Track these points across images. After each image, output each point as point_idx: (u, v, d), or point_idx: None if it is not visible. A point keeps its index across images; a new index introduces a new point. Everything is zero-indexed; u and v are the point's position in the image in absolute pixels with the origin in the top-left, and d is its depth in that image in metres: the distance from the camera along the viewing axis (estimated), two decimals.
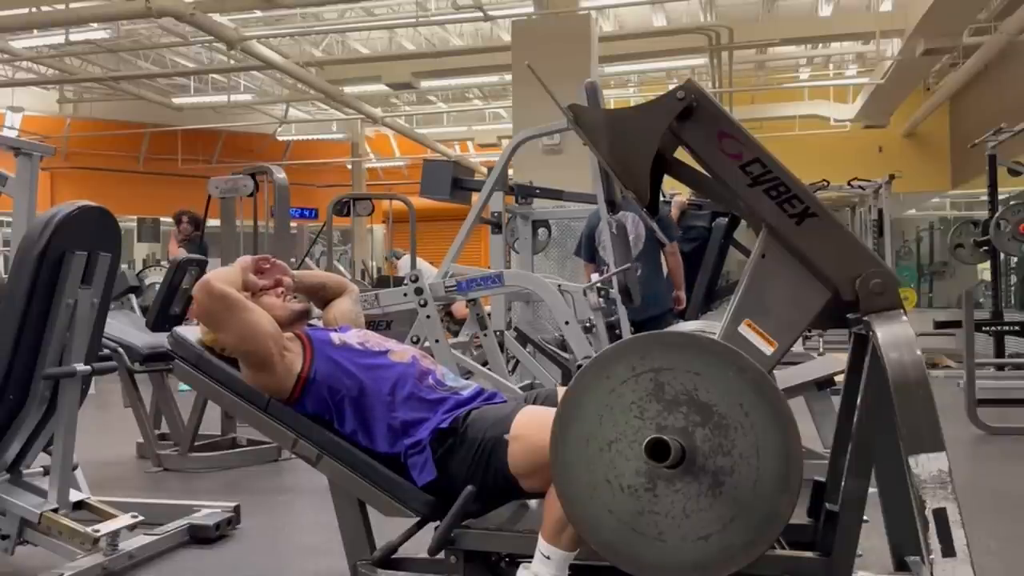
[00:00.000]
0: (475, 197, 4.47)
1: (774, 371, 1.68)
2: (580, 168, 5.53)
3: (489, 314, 4.49)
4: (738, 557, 1.49)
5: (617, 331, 4.05)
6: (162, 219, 17.28)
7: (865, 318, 1.59)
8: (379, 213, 11.78)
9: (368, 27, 11.49)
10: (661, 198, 4.47)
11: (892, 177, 8.93)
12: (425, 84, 12.50)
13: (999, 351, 6.66)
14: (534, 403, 2.05)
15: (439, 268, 3.99)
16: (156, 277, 7.92)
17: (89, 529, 2.41)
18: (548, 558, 1.76)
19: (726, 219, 5.95)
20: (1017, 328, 6.54)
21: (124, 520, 2.56)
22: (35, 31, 10.72)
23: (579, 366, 3.11)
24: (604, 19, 10.97)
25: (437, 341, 3.45)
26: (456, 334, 5.76)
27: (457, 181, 4.33)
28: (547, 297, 3.61)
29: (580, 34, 7.84)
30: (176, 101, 14.01)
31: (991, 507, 3.28)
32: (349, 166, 17.63)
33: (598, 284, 4.11)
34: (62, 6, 9.04)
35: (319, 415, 2.04)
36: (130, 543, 2.59)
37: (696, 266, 5.71)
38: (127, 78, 12.73)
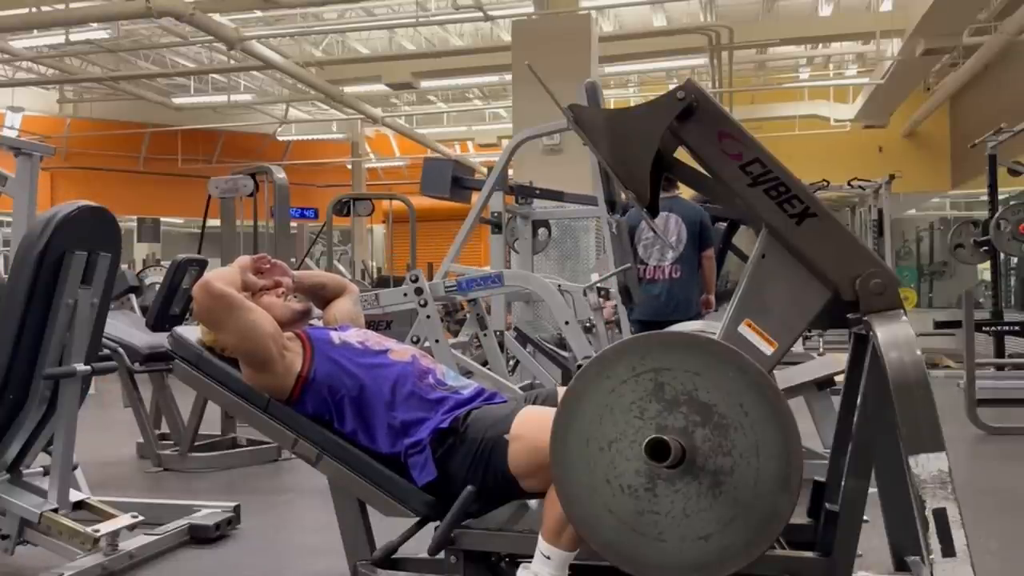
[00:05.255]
0: (475, 196, 4.46)
1: (774, 371, 1.68)
2: (580, 168, 5.53)
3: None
4: (738, 557, 1.49)
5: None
6: (162, 219, 17.33)
7: (865, 318, 1.59)
8: (379, 213, 11.80)
9: (368, 27, 11.49)
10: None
11: (892, 177, 8.93)
12: (425, 84, 12.51)
13: (999, 351, 6.66)
14: (534, 403, 2.05)
15: (439, 269, 4.00)
16: (156, 277, 7.93)
17: (89, 529, 2.41)
18: (548, 558, 1.76)
19: (725, 223, 5.93)
20: (1017, 328, 6.53)
21: (124, 520, 2.56)
22: (35, 31, 10.72)
23: (579, 366, 3.11)
24: (604, 19, 10.98)
25: (437, 341, 3.45)
26: (456, 334, 5.77)
27: (457, 180, 4.33)
28: (547, 297, 3.61)
29: (580, 34, 7.84)
30: (176, 101, 14.01)
31: (991, 507, 3.28)
32: (349, 166, 17.63)
33: (598, 284, 4.11)
34: (62, 6, 9.04)
35: (319, 415, 2.04)
36: (130, 543, 2.59)
37: None
38: (127, 78, 12.73)
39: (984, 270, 9.50)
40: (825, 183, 8.63)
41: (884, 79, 11.04)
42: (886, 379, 1.49)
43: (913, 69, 10.65)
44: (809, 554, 1.80)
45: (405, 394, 1.99)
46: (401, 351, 2.11)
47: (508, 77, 10.30)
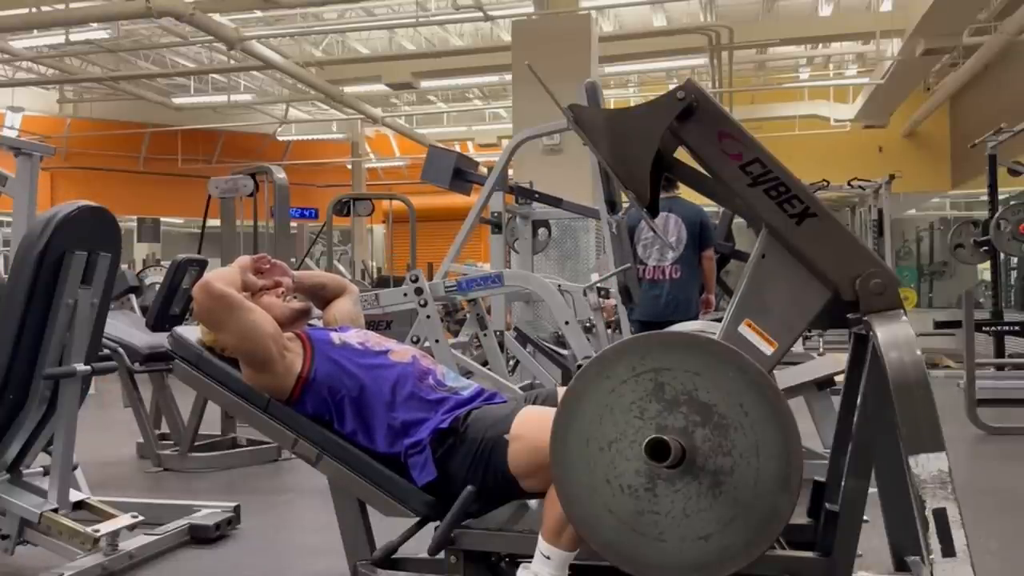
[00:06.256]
0: (475, 190, 4.46)
1: (774, 371, 1.67)
2: (580, 168, 5.54)
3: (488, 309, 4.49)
4: (738, 557, 1.49)
5: None
6: (162, 219, 17.34)
7: (865, 318, 1.59)
8: (379, 213, 11.80)
9: (368, 27, 11.49)
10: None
11: (892, 177, 8.93)
12: (425, 84, 12.51)
13: (999, 351, 6.65)
14: (534, 403, 2.05)
15: (439, 269, 4.00)
16: (156, 277, 7.93)
17: (89, 529, 2.41)
18: (548, 558, 1.76)
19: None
20: (1017, 328, 6.53)
21: (124, 520, 2.56)
22: (35, 31, 10.73)
23: (579, 366, 3.11)
24: (604, 19, 10.98)
25: (437, 341, 3.45)
26: (456, 334, 5.77)
27: (459, 172, 4.32)
28: (547, 297, 3.61)
29: (580, 34, 7.85)
30: (176, 101, 14.01)
31: (991, 507, 3.28)
32: (349, 166, 17.63)
33: (598, 284, 4.11)
34: (62, 6, 9.04)
35: (319, 415, 2.03)
36: (130, 543, 2.59)
37: None
38: (127, 78, 12.74)
39: (984, 270, 9.50)
40: (825, 183, 8.63)
41: (884, 79, 11.04)
42: (886, 379, 1.49)
43: (913, 69, 10.65)
44: (809, 554, 1.80)
45: (405, 395, 1.99)
46: (401, 352, 2.11)
47: (508, 77, 10.30)
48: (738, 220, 6.14)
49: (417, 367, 2.06)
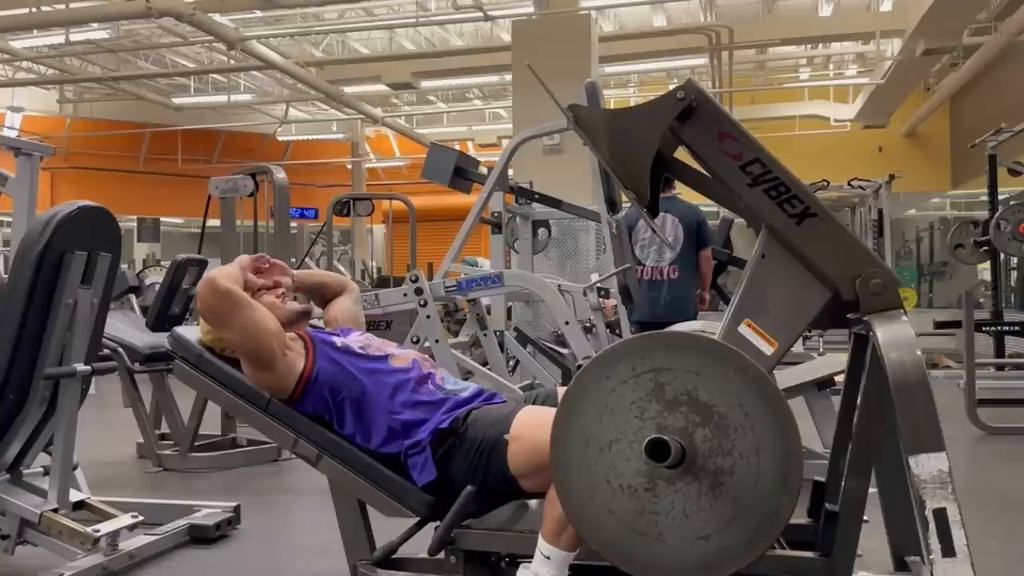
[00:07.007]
0: (475, 189, 4.46)
1: (774, 371, 1.67)
2: (580, 168, 5.52)
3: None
4: (738, 557, 1.49)
5: None
6: (162, 219, 17.35)
7: (865, 318, 1.59)
8: (379, 213, 11.81)
9: (368, 27, 11.50)
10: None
11: (892, 177, 8.93)
12: (425, 84, 12.52)
13: (999, 351, 6.66)
14: (534, 403, 2.05)
15: (439, 269, 4.00)
16: (156, 277, 7.93)
17: (89, 529, 2.41)
18: (548, 558, 1.76)
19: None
20: (1017, 328, 6.53)
21: (124, 520, 2.56)
22: (35, 31, 10.73)
23: (579, 366, 3.11)
24: (604, 19, 10.99)
25: (437, 341, 3.45)
26: (456, 334, 5.77)
27: (460, 170, 4.33)
28: (547, 297, 3.61)
29: (580, 34, 7.86)
30: (176, 101, 14.02)
31: (991, 507, 3.28)
32: (349, 166, 17.64)
33: (598, 284, 4.11)
34: (62, 6, 9.05)
35: (319, 415, 2.03)
36: (130, 543, 2.59)
37: None
38: (127, 78, 12.74)
39: (984, 270, 9.50)
40: (825, 183, 8.63)
41: (884, 79, 11.04)
42: (886, 379, 1.49)
43: (913, 69, 10.66)
44: (809, 554, 1.80)
45: (405, 399, 2.00)
46: (402, 356, 2.11)
47: (508, 77, 10.32)
48: (738, 224, 6.16)
49: (417, 372, 2.06)
